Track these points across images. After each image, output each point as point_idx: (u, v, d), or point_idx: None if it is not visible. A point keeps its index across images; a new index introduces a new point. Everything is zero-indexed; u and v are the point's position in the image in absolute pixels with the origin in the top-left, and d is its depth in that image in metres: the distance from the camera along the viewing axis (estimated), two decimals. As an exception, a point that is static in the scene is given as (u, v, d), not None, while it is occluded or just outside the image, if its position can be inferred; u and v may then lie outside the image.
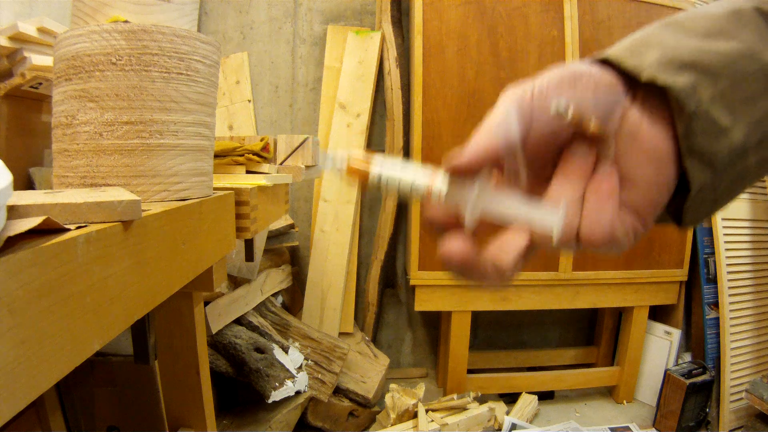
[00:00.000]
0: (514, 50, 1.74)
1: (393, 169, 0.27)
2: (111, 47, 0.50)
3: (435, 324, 2.18)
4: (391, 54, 1.94)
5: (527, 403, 1.81)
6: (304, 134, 1.17)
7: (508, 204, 0.26)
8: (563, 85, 0.26)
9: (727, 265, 1.73)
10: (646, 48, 0.26)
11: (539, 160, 0.28)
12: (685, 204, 0.27)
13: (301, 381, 1.50)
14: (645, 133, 0.26)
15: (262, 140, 1.08)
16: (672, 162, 0.26)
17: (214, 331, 1.44)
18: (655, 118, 0.26)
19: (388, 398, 1.67)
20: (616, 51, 0.27)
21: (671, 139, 0.26)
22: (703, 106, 0.25)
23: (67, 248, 0.30)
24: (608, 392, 2.00)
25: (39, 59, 0.82)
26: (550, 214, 0.26)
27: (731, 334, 1.69)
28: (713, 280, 1.83)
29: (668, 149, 0.26)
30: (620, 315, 2.06)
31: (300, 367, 1.58)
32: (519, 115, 0.26)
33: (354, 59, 1.98)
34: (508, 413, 1.73)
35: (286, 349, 1.59)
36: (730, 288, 1.72)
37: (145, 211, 0.43)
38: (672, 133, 0.26)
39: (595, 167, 0.27)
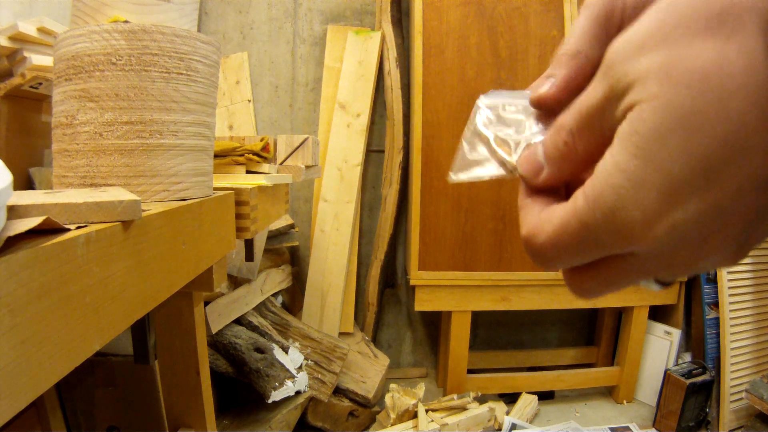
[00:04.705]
0: (514, 50, 1.73)
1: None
2: (111, 47, 0.50)
3: (435, 324, 2.18)
4: (391, 54, 1.94)
5: (527, 403, 1.81)
6: (304, 134, 1.17)
7: None
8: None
9: (727, 265, 1.73)
10: None
11: None
12: None
13: (301, 381, 1.50)
14: None
15: (262, 140, 1.08)
16: None
17: (214, 331, 1.44)
18: None
19: (388, 398, 1.67)
20: None
21: None
22: None
23: (67, 248, 0.30)
24: (608, 392, 2.00)
25: (39, 59, 0.82)
26: None
27: (731, 334, 1.69)
28: (713, 280, 1.82)
29: None
30: (620, 315, 2.05)
31: (300, 367, 1.58)
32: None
33: (354, 59, 1.98)
34: (508, 413, 1.73)
35: (286, 349, 1.59)
36: (730, 288, 1.71)
37: (145, 211, 0.43)
38: None
39: None
